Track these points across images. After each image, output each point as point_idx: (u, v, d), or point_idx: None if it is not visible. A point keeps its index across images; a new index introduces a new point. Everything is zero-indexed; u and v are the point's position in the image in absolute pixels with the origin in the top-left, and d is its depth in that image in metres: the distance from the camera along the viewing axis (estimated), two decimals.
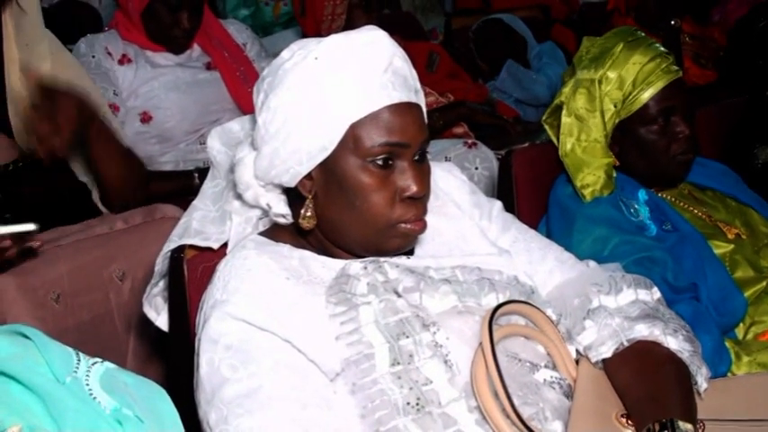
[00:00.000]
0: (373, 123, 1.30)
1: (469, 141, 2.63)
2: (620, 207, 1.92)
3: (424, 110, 1.41)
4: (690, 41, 4.19)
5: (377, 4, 3.12)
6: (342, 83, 1.30)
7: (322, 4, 3.11)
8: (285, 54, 1.37)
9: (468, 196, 1.57)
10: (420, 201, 1.35)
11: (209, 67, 2.77)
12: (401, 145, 1.32)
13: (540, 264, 1.54)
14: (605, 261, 1.78)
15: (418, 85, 1.41)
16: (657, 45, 1.97)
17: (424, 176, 1.36)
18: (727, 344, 1.74)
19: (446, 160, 2.56)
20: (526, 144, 2.82)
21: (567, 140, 1.94)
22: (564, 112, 1.94)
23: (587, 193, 1.91)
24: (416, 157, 1.35)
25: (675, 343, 1.38)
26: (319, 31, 3.14)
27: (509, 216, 1.61)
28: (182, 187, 2.41)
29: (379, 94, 1.31)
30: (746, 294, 1.86)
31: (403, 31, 3.41)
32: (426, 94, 3.05)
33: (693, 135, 1.94)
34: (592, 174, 1.92)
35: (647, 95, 1.90)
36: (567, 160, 1.94)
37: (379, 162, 1.31)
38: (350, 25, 3.09)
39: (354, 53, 1.32)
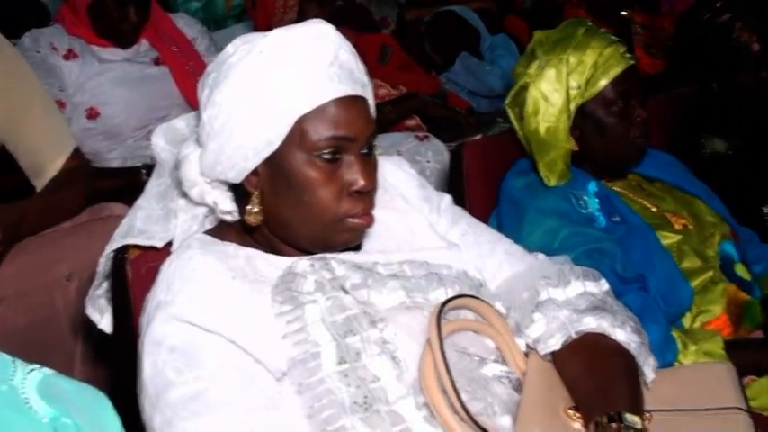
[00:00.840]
0: (319, 117, 1.29)
1: (421, 134, 2.62)
2: (570, 199, 1.92)
3: (372, 103, 1.40)
4: (641, 31, 4.23)
5: None
6: (287, 77, 1.29)
7: None
8: (229, 49, 1.35)
9: (418, 190, 1.56)
10: (367, 195, 1.35)
11: (157, 62, 2.73)
12: (348, 139, 1.31)
13: (489, 257, 1.54)
14: (555, 253, 1.78)
15: (366, 78, 1.40)
16: (610, 34, 1.99)
17: (371, 170, 1.35)
18: (675, 333, 1.76)
19: (398, 154, 2.55)
20: (478, 136, 2.82)
21: (532, 120, 1.94)
22: (530, 91, 1.94)
23: (552, 176, 1.92)
24: (363, 151, 1.34)
25: (623, 335, 1.39)
26: (270, 25, 3.10)
27: (458, 209, 1.61)
28: (129, 184, 2.37)
29: (325, 88, 1.29)
30: (693, 284, 1.88)
31: (355, 23, 3.39)
32: (378, 87, 3.06)
33: (648, 121, 1.97)
34: (553, 158, 1.93)
35: (606, 78, 1.92)
36: (532, 140, 1.94)
37: (326, 156, 1.30)
38: (302, 18, 3.04)
39: (299, 47, 1.31)
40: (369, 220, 1.35)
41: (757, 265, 2.07)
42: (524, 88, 1.94)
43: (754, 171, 2.35)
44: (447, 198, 1.60)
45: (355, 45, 3.15)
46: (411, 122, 3.02)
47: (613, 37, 1.98)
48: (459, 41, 3.98)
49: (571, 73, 1.90)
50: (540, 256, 1.58)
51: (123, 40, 2.70)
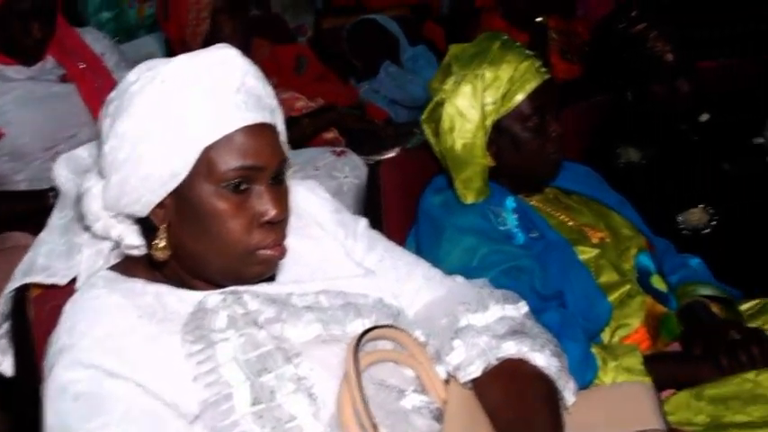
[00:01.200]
0: (227, 147, 1.25)
1: (338, 149, 2.59)
2: (488, 216, 1.92)
3: (282, 128, 1.37)
4: (556, 37, 4.27)
5: (242, 7, 3.03)
6: (192, 105, 1.24)
7: (185, 8, 3.01)
8: (131, 76, 1.30)
9: (332, 215, 1.53)
10: (279, 225, 1.31)
11: (63, 79, 2.63)
12: (257, 168, 1.27)
13: (406, 282, 1.51)
14: (474, 271, 1.79)
15: (275, 102, 1.36)
16: (525, 49, 1.99)
17: (281, 199, 1.31)
18: (594, 349, 1.76)
19: (314, 170, 2.52)
20: (397, 148, 2.80)
21: (448, 137, 1.92)
22: (445, 107, 1.92)
23: (468, 194, 1.90)
24: (273, 180, 1.31)
25: (543, 359, 1.38)
26: (183, 36, 3.04)
27: (375, 233, 1.58)
28: (36, 208, 2.27)
29: (231, 116, 1.25)
30: (611, 298, 1.89)
31: (271, 34, 3.35)
32: (295, 99, 3.02)
33: (563, 136, 1.97)
34: (470, 175, 1.92)
35: (522, 93, 1.91)
36: (448, 157, 1.93)
37: (234, 187, 1.26)
38: (215, 30, 3.00)
39: (204, 73, 1.26)
40: (281, 251, 1.31)
41: (673, 275, 2.09)
42: (440, 104, 1.92)
43: (668, 180, 2.38)
44: (363, 222, 1.57)
45: (271, 56, 3.14)
46: (329, 135, 2.99)
47: (529, 51, 1.97)
48: (381, 50, 3.97)
49: (487, 89, 1.89)
50: (459, 279, 1.56)
51: (27, 56, 2.59)
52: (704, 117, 2.63)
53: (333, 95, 3.15)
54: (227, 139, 1.25)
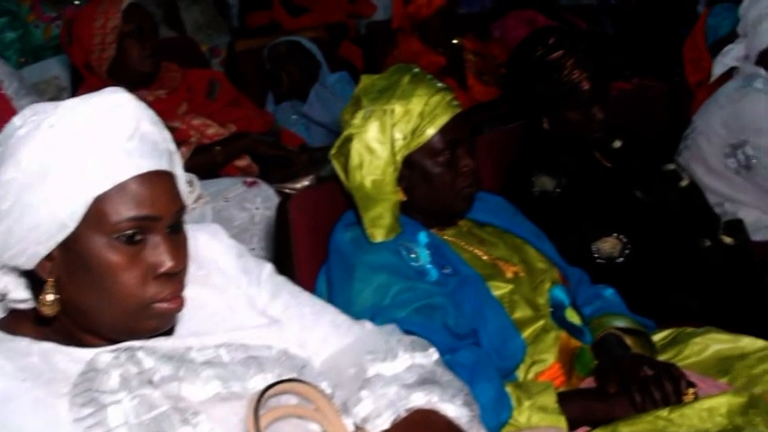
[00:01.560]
0: (119, 196, 1.19)
1: (249, 180, 2.53)
2: (400, 252, 1.87)
3: (180, 173, 1.31)
4: (473, 58, 4.28)
5: (150, 32, 2.94)
6: (81, 152, 1.18)
7: (90, 32, 2.90)
8: (17, 120, 1.22)
9: (236, 261, 1.46)
10: (176, 276, 1.24)
11: None
12: (151, 218, 1.21)
13: (313, 330, 1.46)
14: (387, 310, 1.75)
15: (172, 146, 1.30)
16: (437, 81, 1.95)
17: (179, 249, 1.25)
18: (508, 388, 1.73)
19: (224, 201, 2.46)
20: (311, 176, 2.75)
21: (357, 173, 1.88)
22: (354, 143, 1.87)
23: (377, 233, 1.86)
24: (170, 229, 1.24)
25: (453, 410, 1.34)
26: (89, 61, 2.94)
27: (280, 279, 1.52)
28: None
29: (124, 164, 1.19)
30: (525, 334, 1.87)
31: (181, 59, 3.26)
32: (207, 126, 2.94)
33: (477, 169, 1.94)
34: (380, 213, 1.87)
35: (433, 128, 1.87)
36: (357, 195, 1.88)
37: (128, 238, 1.20)
38: (122, 55, 2.91)
39: (94, 119, 1.20)
40: (179, 304, 1.25)
41: (588, 306, 2.08)
42: (349, 140, 1.87)
43: (582, 209, 2.37)
44: (267, 268, 1.51)
45: (182, 81, 3.04)
46: (241, 163, 2.92)
47: (440, 84, 1.94)
48: (307, 72, 3.93)
49: (396, 124, 1.85)
50: (368, 325, 1.52)
51: None
52: (617, 144, 2.64)
53: (246, 121, 3.08)
54: (119, 189, 1.18)
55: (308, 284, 1.93)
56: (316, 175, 2.76)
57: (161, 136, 1.27)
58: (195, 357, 1.28)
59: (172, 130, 2.79)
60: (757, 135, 2.70)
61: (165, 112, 2.92)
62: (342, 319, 1.51)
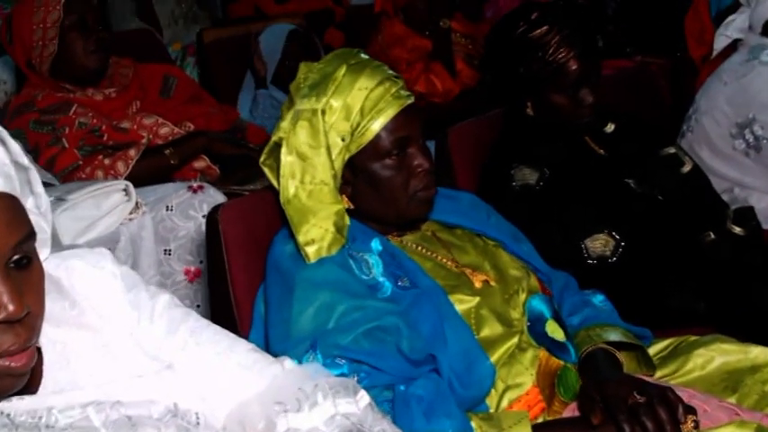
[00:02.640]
0: None
1: (195, 185, 2.28)
2: (348, 265, 1.62)
3: (39, 191, 1.06)
4: (462, 41, 4.03)
5: (95, 24, 2.69)
6: None
7: (30, 29, 2.66)
8: None
9: (123, 295, 1.20)
10: (22, 324, 0.99)
11: None
12: None
13: (217, 375, 1.20)
14: (329, 335, 1.52)
15: (22, 159, 1.05)
16: (385, 68, 1.69)
17: (24, 289, 1.00)
18: (474, 423, 1.47)
19: (167, 209, 2.21)
20: None
21: (290, 184, 1.62)
22: (284, 150, 1.62)
23: (311, 252, 1.60)
24: (14, 264, 0.99)
25: None
26: (30, 58, 2.69)
27: (180, 312, 1.25)
28: None
29: None
30: (497, 355, 1.61)
31: (136, 52, 3.01)
32: (160, 125, 2.69)
33: (433, 169, 1.68)
34: (318, 226, 1.61)
35: (377, 125, 1.61)
36: (290, 208, 1.63)
37: None
38: (65, 50, 2.66)
39: None
40: (25, 361, 1.00)
41: (575, 316, 1.80)
42: (278, 145, 1.62)
43: (570, 203, 2.11)
44: (163, 299, 1.24)
45: (134, 77, 2.80)
46: (199, 164, 2.67)
47: (389, 71, 1.67)
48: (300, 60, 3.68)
49: (333, 123, 1.59)
50: (288, 364, 1.26)
51: None
52: (610, 128, 2.37)
53: (205, 119, 2.82)
54: None
55: (246, 307, 1.69)
56: (242, 196, 2.50)
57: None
58: (56, 421, 1.04)
59: (122, 131, 2.63)
60: (766, 112, 2.43)
61: (114, 111, 2.72)
62: (254, 358, 1.25)
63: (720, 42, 2.73)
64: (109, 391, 1.09)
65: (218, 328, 1.27)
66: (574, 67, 2.15)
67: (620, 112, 2.43)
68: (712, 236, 2.20)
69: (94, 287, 1.19)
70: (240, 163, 2.67)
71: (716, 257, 2.17)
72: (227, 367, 1.21)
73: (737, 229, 2.30)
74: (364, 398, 1.19)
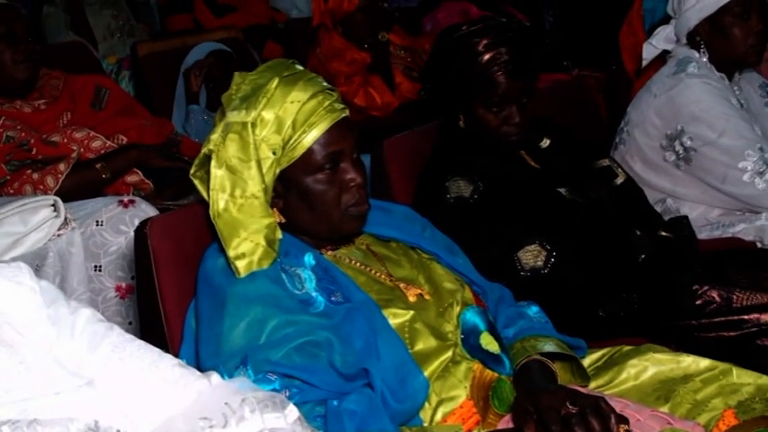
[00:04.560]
0: None
1: (125, 199, 2.23)
2: (281, 279, 1.60)
3: None
4: (401, 54, 4.03)
5: (23, 34, 2.62)
6: None
7: None
8: None
9: (41, 310, 1.17)
10: None
11: None
12: None
13: (141, 390, 1.18)
14: (261, 351, 1.50)
15: None
16: (320, 80, 1.67)
17: None
18: None
19: (96, 224, 2.17)
20: None
21: (220, 198, 1.60)
22: (213, 163, 1.59)
23: (242, 266, 1.58)
24: None
25: None
26: None
27: (102, 327, 1.22)
28: None
29: None
30: (430, 370, 1.60)
31: (68, 65, 2.96)
32: (92, 139, 2.64)
33: (365, 183, 1.68)
34: (249, 240, 1.59)
35: (310, 139, 1.60)
36: (220, 222, 1.60)
37: None
38: None
39: None
40: None
41: (510, 327, 1.80)
42: (208, 158, 1.59)
43: (503, 217, 2.11)
44: (84, 314, 1.21)
45: (64, 88, 2.74)
46: (132, 179, 2.61)
47: (324, 83, 1.66)
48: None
49: (264, 136, 1.57)
50: (215, 378, 1.23)
51: None
52: (545, 143, 2.38)
53: (137, 132, 2.77)
54: None
55: (177, 323, 1.66)
56: (171, 210, 2.46)
57: None
58: None
59: (51, 144, 2.57)
60: (694, 123, 2.48)
61: (44, 124, 2.66)
62: (180, 373, 1.22)
63: (648, 52, 2.75)
64: (26, 408, 1.05)
65: (142, 343, 1.24)
66: (503, 85, 2.14)
67: (555, 126, 2.45)
68: (638, 233, 2.23)
69: (12, 302, 1.15)
70: (174, 176, 2.63)
71: (645, 251, 2.20)
72: (151, 382, 1.19)
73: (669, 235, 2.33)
74: (293, 412, 1.18)
